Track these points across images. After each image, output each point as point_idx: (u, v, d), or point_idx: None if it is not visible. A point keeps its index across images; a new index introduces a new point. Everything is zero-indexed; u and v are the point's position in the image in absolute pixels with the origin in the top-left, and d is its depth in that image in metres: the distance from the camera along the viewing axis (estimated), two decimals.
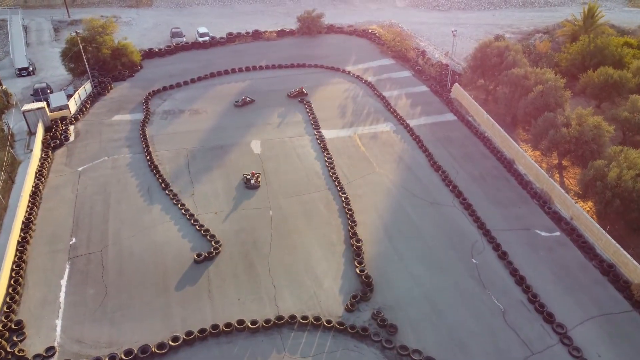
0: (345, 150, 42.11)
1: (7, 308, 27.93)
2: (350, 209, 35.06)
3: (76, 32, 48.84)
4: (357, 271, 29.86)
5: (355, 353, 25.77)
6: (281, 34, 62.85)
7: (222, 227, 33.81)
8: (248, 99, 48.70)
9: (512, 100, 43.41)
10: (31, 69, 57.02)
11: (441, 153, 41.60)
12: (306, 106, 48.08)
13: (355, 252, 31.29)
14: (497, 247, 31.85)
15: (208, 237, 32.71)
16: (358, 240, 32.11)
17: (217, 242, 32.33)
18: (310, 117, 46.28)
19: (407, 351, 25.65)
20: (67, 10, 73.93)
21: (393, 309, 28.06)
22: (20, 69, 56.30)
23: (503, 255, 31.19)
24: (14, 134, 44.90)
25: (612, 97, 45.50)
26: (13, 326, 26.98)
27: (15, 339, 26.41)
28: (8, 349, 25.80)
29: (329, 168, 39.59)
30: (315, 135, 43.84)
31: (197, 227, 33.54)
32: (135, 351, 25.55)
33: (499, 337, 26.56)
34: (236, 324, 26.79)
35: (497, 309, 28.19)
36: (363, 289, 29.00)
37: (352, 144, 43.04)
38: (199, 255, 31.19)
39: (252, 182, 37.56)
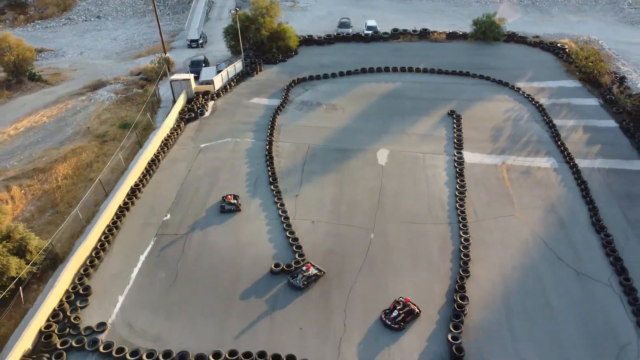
0: (485, 182, 34.91)
1: (84, 271, 27.81)
2: (467, 255, 28.37)
3: (236, 9, 48.91)
4: (449, 337, 23.52)
5: None
6: (451, 36, 56.17)
7: (313, 240, 29.93)
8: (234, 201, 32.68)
9: None
10: (201, 41, 59.66)
11: (612, 211, 31.92)
12: (454, 121, 41.50)
13: (455, 312, 24.86)
14: None
15: (294, 247, 29.12)
16: (463, 298, 25.58)
17: (301, 255, 28.57)
18: (455, 135, 39.69)
19: None
20: None
21: None
22: (191, 41, 59.18)
23: None
24: (161, 99, 46.65)
25: None
26: (81, 291, 26.66)
27: (78, 304, 25.99)
28: (68, 313, 25.41)
29: (458, 199, 32.99)
30: (455, 156, 37.29)
31: (288, 234, 30.15)
32: (174, 355, 23.21)
33: None
34: None
35: None
36: None
37: (495, 175, 35.58)
38: (276, 265, 27.80)
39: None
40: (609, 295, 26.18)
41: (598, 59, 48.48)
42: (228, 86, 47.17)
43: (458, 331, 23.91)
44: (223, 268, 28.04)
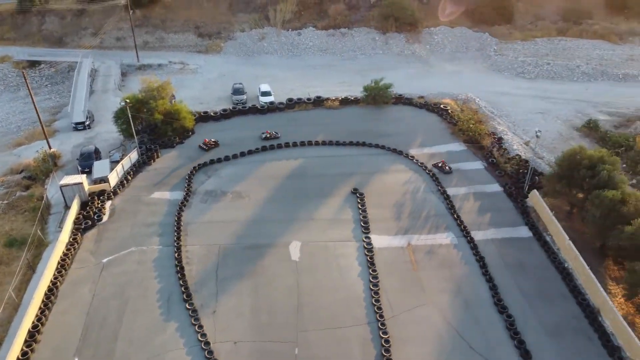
0: (395, 268, 36.57)
1: None
2: None
3: (126, 101, 46.86)
4: None
5: None
6: (344, 102, 58.36)
7: None
8: (213, 141, 50.50)
9: (603, 226, 36.06)
10: (88, 122, 56.21)
11: (509, 286, 35.01)
12: (359, 200, 43.03)
13: None
14: None
15: None
16: None
17: None
18: (361, 216, 41.16)
19: None
20: (137, 55, 73.92)
21: None
22: (77, 123, 55.60)
23: None
24: (51, 204, 43.25)
25: None
26: None
27: None
28: None
29: (373, 292, 34.23)
30: (364, 242, 38.63)
31: None
32: None
33: None
34: None
35: None
36: None
37: (404, 258, 37.43)
38: None
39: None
40: None
41: (477, 120, 53.06)
42: (125, 181, 44.92)
43: None
44: None
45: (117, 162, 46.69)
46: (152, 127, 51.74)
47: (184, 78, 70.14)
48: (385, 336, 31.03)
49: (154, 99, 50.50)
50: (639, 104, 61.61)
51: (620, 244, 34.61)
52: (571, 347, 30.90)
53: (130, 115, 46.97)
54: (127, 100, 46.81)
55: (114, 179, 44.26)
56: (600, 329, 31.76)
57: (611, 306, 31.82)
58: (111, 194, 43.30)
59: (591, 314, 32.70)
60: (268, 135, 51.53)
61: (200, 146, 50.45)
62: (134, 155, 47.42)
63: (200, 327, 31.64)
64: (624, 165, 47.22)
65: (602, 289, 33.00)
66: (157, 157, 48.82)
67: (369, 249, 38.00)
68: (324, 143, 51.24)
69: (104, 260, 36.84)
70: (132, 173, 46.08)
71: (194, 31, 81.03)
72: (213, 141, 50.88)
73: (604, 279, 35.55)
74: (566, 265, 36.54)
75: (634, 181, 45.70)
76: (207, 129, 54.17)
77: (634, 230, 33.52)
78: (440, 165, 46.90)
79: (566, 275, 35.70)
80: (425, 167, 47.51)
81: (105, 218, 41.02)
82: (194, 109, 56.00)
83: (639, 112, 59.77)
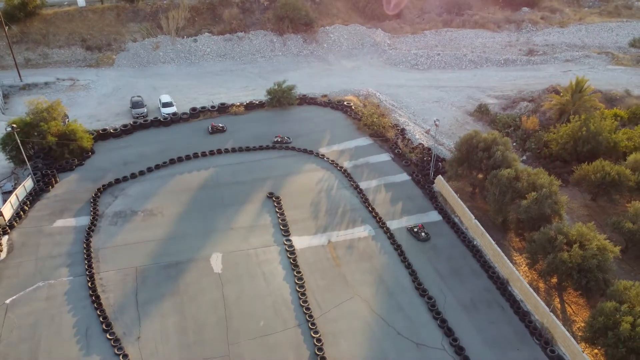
0: (319, 266, 37.15)
1: None
2: (323, 358, 29.96)
3: (12, 126, 43.17)
4: None
5: None
6: (249, 107, 58.02)
7: None
8: (220, 126, 53.39)
9: (502, 202, 39.07)
10: None
11: (426, 269, 36.93)
12: (275, 203, 43.09)
13: None
14: None
15: None
16: None
17: None
18: (280, 220, 41.28)
19: None
20: (19, 74, 68.08)
21: None
22: None
23: None
24: None
25: (610, 193, 41.64)
26: None
27: None
28: None
29: (300, 293, 34.54)
30: (285, 245, 38.82)
31: None
32: None
33: None
34: None
35: None
36: None
37: (325, 256, 38.12)
38: None
39: None
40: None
41: (380, 114, 55.13)
42: (21, 212, 41.47)
43: None
44: None
45: (10, 192, 43.00)
46: (46, 151, 48.09)
47: (76, 95, 65.79)
48: (317, 335, 31.49)
49: (45, 121, 46.98)
50: (520, 86, 67.15)
51: (519, 217, 37.84)
52: (487, 318, 33.27)
53: (19, 141, 43.36)
54: (14, 125, 43.15)
55: (8, 211, 40.65)
56: (511, 297, 34.49)
57: (518, 275, 34.64)
58: (7, 228, 39.79)
59: (501, 285, 35.39)
60: (280, 140, 51.66)
61: (208, 129, 53.36)
62: (28, 183, 43.84)
63: (125, 356, 30.18)
64: (514, 144, 51.50)
65: (508, 261, 35.81)
66: (56, 182, 45.54)
67: (290, 251, 38.24)
68: (233, 150, 50.62)
69: (7, 301, 33.82)
70: (28, 203, 42.62)
71: (81, 44, 76.12)
72: (220, 126, 53.42)
73: (509, 251, 38.57)
74: (475, 242, 39.18)
75: (524, 157, 50.03)
76: (109, 146, 51.39)
77: (529, 203, 36.68)
78: (416, 230, 40.09)
79: (476, 252, 38.30)
80: (337, 164, 48.54)
81: (3, 255, 37.63)
82: (91, 127, 53.15)
83: (522, 93, 65.05)
